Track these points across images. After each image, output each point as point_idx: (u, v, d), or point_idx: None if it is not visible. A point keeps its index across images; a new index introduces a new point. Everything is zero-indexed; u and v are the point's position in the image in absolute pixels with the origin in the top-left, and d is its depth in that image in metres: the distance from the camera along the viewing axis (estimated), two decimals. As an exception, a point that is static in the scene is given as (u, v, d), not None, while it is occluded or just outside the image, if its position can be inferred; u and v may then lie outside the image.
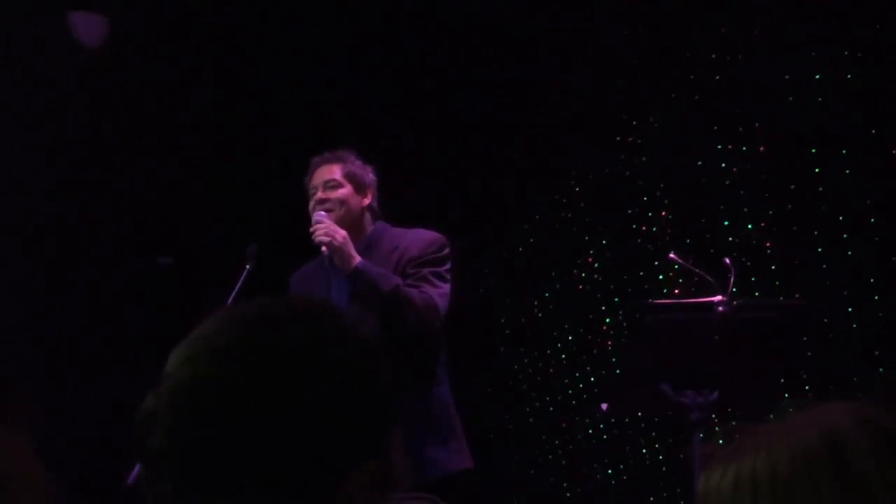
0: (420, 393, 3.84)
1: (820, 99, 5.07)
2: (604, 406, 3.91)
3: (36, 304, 5.47)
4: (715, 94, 5.35)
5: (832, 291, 5.02)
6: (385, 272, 3.80)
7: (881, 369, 4.89)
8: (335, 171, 3.98)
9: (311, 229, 3.88)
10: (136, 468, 3.26)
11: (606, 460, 5.55)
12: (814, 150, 5.09)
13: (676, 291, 5.20)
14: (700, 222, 5.34)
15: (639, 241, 5.51)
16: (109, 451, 3.97)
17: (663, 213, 5.47)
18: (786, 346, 3.76)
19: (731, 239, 5.21)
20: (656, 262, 5.33)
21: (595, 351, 5.65)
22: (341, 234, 3.83)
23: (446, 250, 3.96)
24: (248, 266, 4.07)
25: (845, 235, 5.02)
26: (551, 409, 5.76)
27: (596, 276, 5.65)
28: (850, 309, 4.99)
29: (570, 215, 5.74)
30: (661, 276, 5.35)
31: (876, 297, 4.94)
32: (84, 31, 5.68)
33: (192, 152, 6.03)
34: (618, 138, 5.63)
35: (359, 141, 5.77)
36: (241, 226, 5.80)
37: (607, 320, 5.61)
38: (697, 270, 3.82)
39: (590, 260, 5.68)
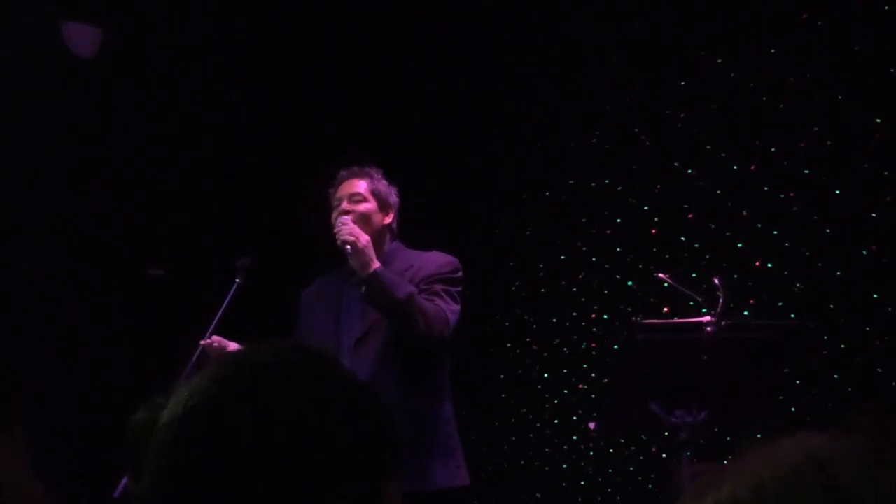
0: (423, 406, 3.90)
1: (810, 117, 5.10)
2: (592, 425, 3.91)
3: (27, 315, 5.46)
4: (705, 112, 5.37)
5: (821, 310, 5.03)
6: (401, 280, 3.86)
7: (870, 388, 4.91)
8: (362, 186, 4.04)
9: (336, 230, 3.90)
10: (123, 481, 3.25)
11: (594, 479, 5.55)
12: (804, 169, 5.11)
13: (666, 310, 5.20)
14: (690, 241, 5.36)
15: (628, 259, 5.52)
16: (100, 461, 3.97)
17: (653, 231, 5.48)
18: (775, 366, 3.77)
19: (720, 257, 5.22)
20: (646, 281, 5.33)
21: (584, 370, 5.65)
22: (364, 237, 3.87)
23: (460, 273, 4.03)
24: (237, 280, 4.07)
25: (835, 254, 5.04)
26: (539, 426, 5.76)
27: (585, 294, 5.66)
28: (838, 328, 5.00)
29: (559, 234, 5.75)
30: (650, 295, 5.36)
31: (864, 317, 4.96)
32: (77, 42, 5.68)
33: (184, 164, 6.03)
34: (607, 155, 5.64)
35: (355, 151, 5.80)
36: (234, 239, 5.80)
37: (596, 339, 5.61)
38: (686, 290, 3.83)
39: (579, 277, 5.69)
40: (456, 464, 3.95)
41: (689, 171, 5.39)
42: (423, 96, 6.13)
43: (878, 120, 4.97)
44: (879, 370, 4.92)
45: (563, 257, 5.74)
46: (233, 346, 3.85)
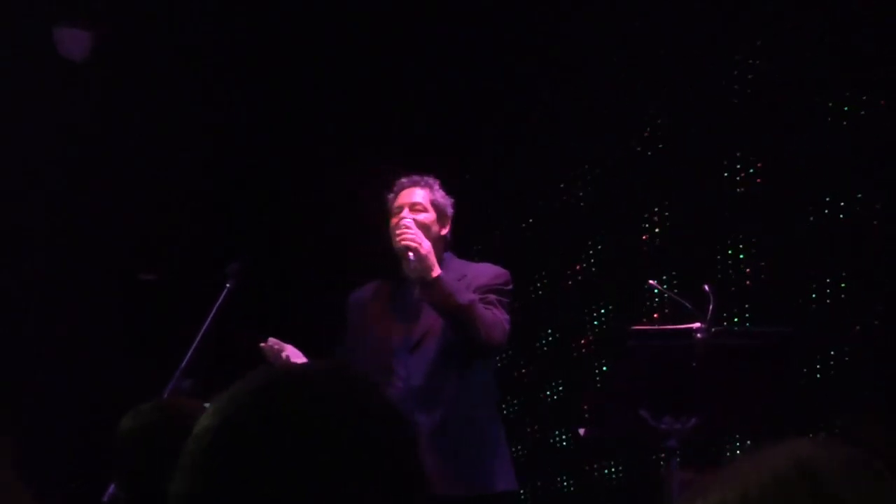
0: (481, 410, 4.00)
1: (799, 126, 5.11)
2: (581, 431, 3.92)
3: (22, 316, 5.45)
4: (693, 123, 5.38)
5: (812, 319, 5.04)
6: (462, 288, 3.92)
7: (859, 397, 4.92)
8: (422, 196, 4.11)
9: (398, 233, 3.94)
10: (111, 487, 3.25)
11: (583, 484, 5.55)
12: (795, 177, 5.12)
13: (656, 317, 5.21)
14: (681, 248, 5.36)
15: (620, 265, 5.52)
16: (94, 463, 3.97)
17: (644, 238, 5.49)
18: (764, 374, 3.77)
19: (712, 264, 5.23)
20: (637, 288, 5.34)
21: (574, 376, 5.65)
22: (427, 243, 3.92)
23: (511, 286, 4.11)
24: (227, 284, 4.08)
25: (826, 263, 5.05)
26: (528, 432, 5.76)
27: (576, 300, 5.67)
28: (829, 336, 5.01)
29: (551, 239, 5.76)
30: (641, 302, 5.36)
31: (857, 327, 4.97)
32: (68, 46, 5.68)
33: (178, 167, 6.02)
34: (598, 164, 5.65)
35: (345, 156, 5.79)
36: (228, 242, 5.79)
37: (586, 345, 5.61)
38: (676, 297, 3.84)
39: (570, 284, 5.69)
40: (505, 468, 4.04)
41: (681, 176, 5.40)
42: (423, 96, 6.11)
43: (870, 127, 4.99)
44: (869, 378, 4.94)
45: (552, 262, 5.75)
46: (289, 347, 3.93)
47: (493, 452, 3.99)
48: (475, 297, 3.91)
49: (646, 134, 5.52)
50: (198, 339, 3.89)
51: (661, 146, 5.47)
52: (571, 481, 5.62)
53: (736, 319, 5.02)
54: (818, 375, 5.03)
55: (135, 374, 4.91)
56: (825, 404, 4.95)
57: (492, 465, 3.97)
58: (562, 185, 5.77)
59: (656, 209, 5.47)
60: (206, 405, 2.59)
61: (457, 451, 3.87)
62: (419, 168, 5.64)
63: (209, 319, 3.95)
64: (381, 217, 4.15)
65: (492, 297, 3.99)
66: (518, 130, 5.94)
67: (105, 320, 5.70)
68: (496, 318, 3.92)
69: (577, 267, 5.68)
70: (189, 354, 3.88)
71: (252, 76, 6.25)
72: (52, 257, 5.61)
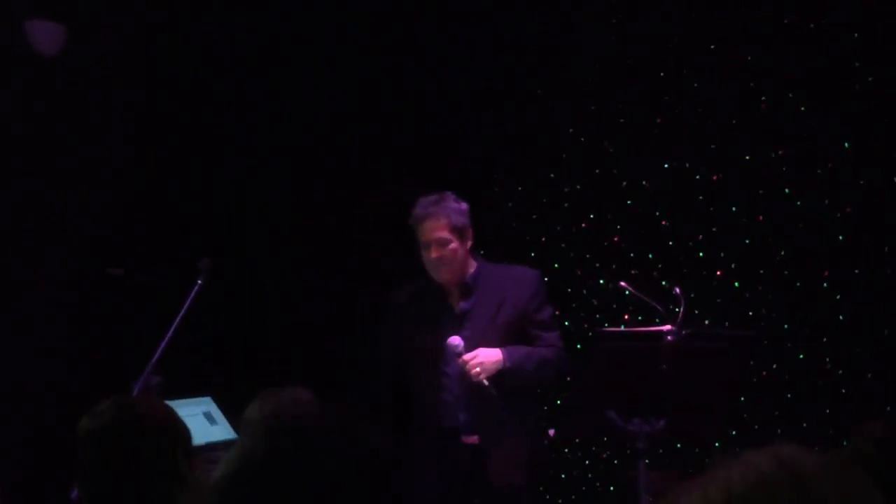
0: (522, 402, 4.20)
1: (771, 130, 5.14)
2: (551, 432, 3.94)
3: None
4: (667, 122, 5.40)
5: (780, 322, 5.07)
6: (525, 354, 4.12)
7: (825, 401, 4.96)
8: (443, 229, 4.23)
9: (471, 375, 4.05)
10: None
11: (552, 486, 5.56)
12: (765, 181, 5.15)
13: (626, 318, 5.23)
14: (651, 250, 5.38)
15: (589, 268, 5.53)
16: (56, 466, 3.94)
17: (615, 240, 5.51)
18: (733, 376, 3.79)
19: (682, 268, 5.25)
20: (607, 290, 5.35)
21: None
22: (487, 370, 4.03)
23: (545, 287, 4.33)
24: (199, 280, 4.07)
25: (793, 267, 5.08)
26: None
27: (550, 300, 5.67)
28: (797, 340, 5.05)
29: (521, 241, 5.76)
30: (611, 304, 5.38)
31: (824, 327, 5.00)
32: (41, 39, 5.63)
33: (149, 161, 5.99)
34: (569, 164, 5.65)
35: (320, 148, 5.75)
36: (195, 238, 5.76)
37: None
38: (647, 299, 3.85)
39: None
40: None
41: (654, 179, 5.42)
42: (423, 96, 6.06)
43: (841, 135, 5.03)
44: (837, 380, 4.98)
45: (522, 264, 5.74)
46: None
47: (536, 441, 4.24)
48: (537, 353, 4.12)
49: (621, 133, 5.53)
50: (168, 335, 3.88)
51: (635, 147, 5.49)
52: (540, 481, 5.62)
53: (707, 322, 5.04)
54: (787, 378, 5.06)
55: (103, 370, 4.88)
56: (794, 407, 4.98)
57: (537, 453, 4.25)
58: (528, 187, 5.76)
59: (628, 210, 5.48)
60: (167, 403, 2.57)
61: (508, 446, 4.08)
62: (415, 168, 5.60)
63: (179, 316, 3.94)
64: (407, 235, 4.29)
65: (545, 316, 4.22)
66: (474, 137, 5.90)
67: (72, 315, 5.66)
68: (558, 352, 4.18)
69: (549, 266, 5.69)
70: (159, 351, 3.87)
71: (234, 74, 6.22)
72: (18, 251, 5.56)
